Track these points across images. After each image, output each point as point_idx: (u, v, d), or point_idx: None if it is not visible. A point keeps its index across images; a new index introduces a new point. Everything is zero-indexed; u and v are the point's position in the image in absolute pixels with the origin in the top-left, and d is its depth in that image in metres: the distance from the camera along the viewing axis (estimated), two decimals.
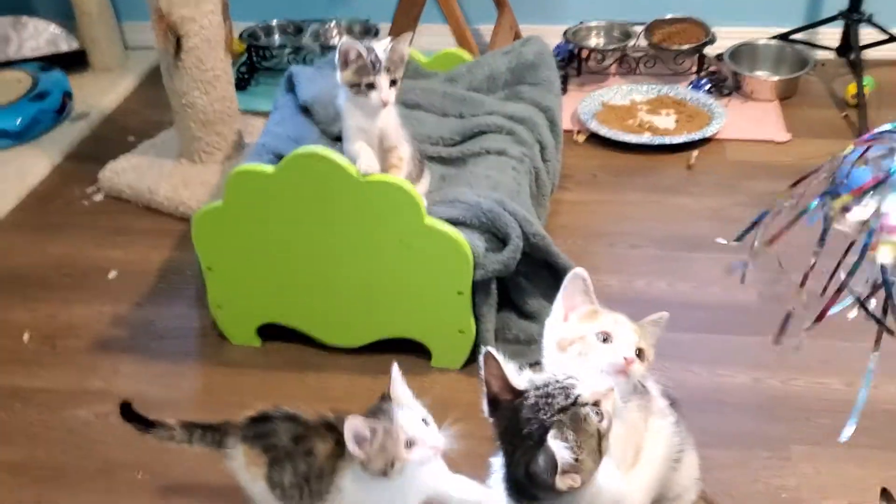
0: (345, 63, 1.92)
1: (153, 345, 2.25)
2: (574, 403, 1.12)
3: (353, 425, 1.37)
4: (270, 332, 2.21)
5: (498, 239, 2.00)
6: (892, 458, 1.84)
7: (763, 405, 1.98)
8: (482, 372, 1.16)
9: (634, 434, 1.41)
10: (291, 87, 2.52)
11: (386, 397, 1.45)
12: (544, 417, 1.11)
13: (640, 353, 1.36)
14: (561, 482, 1.08)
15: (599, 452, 1.14)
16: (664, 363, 2.05)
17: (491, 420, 1.20)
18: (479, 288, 2.01)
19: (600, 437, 1.14)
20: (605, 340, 1.35)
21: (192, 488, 1.85)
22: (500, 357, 1.17)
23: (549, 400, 1.13)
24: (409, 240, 1.92)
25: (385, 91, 1.93)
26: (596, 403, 1.15)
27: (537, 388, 1.15)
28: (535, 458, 1.09)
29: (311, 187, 1.90)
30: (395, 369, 1.46)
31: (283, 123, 2.38)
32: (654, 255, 2.47)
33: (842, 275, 1.53)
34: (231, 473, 1.59)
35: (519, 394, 1.15)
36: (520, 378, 1.18)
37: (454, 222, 1.95)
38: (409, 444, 1.39)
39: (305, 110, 2.44)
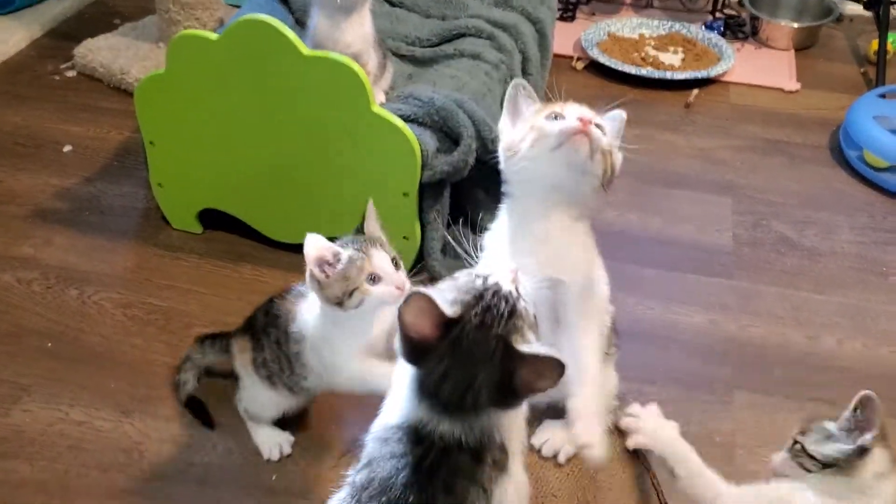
0: None
1: (93, 219, 2.16)
2: (514, 302, 0.99)
3: (315, 245, 1.29)
4: (213, 222, 2.11)
5: (451, 140, 1.87)
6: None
7: (714, 348, 1.86)
8: (404, 317, 0.96)
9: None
10: None
11: (360, 230, 1.38)
12: (498, 331, 0.97)
13: (599, 128, 1.23)
14: (559, 374, 0.95)
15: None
16: (620, 296, 1.97)
17: (410, 360, 1.00)
18: (428, 192, 1.89)
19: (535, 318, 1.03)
20: (555, 118, 1.22)
21: (98, 362, 1.77)
22: (431, 293, 0.96)
23: (493, 311, 0.97)
24: (354, 127, 1.80)
25: None
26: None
27: (473, 306, 0.98)
28: (516, 371, 0.95)
29: (255, 58, 1.78)
30: (371, 206, 1.39)
31: (256, 7, 2.25)
32: (631, 187, 2.34)
33: None
34: (238, 376, 1.59)
35: (455, 322, 0.96)
36: (445, 302, 0.98)
37: (405, 118, 1.82)
38: (374, 279, 1.30)
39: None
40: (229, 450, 1.60)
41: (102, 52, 2.77)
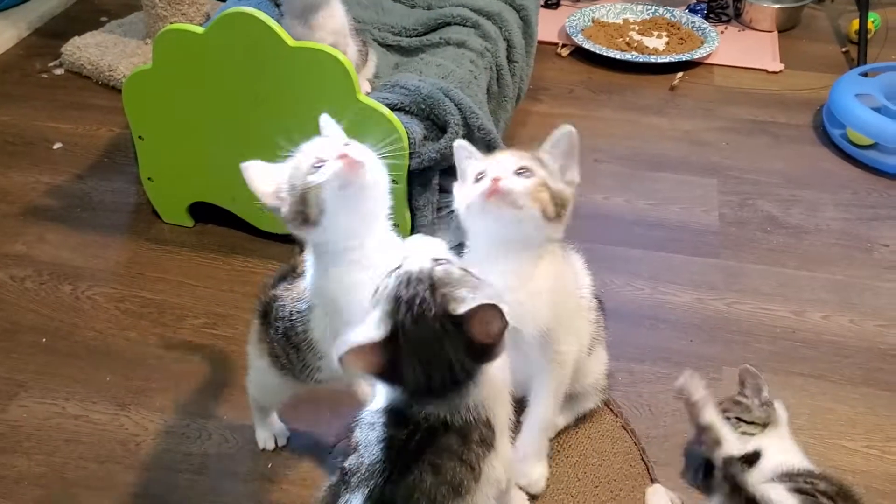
0: None
1: (84, 216, 2.17)
2: (430, 278, 0.98)
3: (252, 169, 1.21)
4: (204, 215, 2.13)
5: (437, 127, 1.89)
6: (827, 388, 1.74)
7: (702, 326, 1.88)
8: (351, 370, 0.98)
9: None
10: None
11: None
12: (434, 312, 0.95)
13: (523, 172, 1.24)
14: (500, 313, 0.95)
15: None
16: (609, 277, 2.00)
17: (395, 383, 1.01)
18: (416, 179, 1.91)
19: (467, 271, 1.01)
20: (479, 179, 1.26)
21: (93, 356, 1.79)
22: (350, 341, 0.96)
23: (417, 300, 0.96)
24: (341, 117, 1.80)
25: None
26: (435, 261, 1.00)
27: (398, 310, 0.97)
28: (468, 332, 0.96)
29: (241, 50, 1.79)
30: (324, 117, 1.31)
31: (241, 0, 2.26)
32: (617, 171, 2.36)
33: None
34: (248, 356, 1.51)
35: (392, 336, 0.97)
36: (374, 327, 0.98)
37: (391, 107, 1.84)
38: (318, 166, 1.17)
39: None
40: (225, 439, 1.62)
41: (90, 49, 2.78)
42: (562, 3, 3.18)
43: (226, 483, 1.54)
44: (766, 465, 1.39)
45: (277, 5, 2.30)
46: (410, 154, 1.84)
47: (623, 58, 2.81)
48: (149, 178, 2.08)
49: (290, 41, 1.77)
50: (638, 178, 2.34)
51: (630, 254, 2.07)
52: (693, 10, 3.10)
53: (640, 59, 2.80)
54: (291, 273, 1.43)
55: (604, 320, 1.57)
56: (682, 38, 2.95)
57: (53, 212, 2.19)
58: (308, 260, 1.31)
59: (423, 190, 1.93)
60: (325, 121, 1.32)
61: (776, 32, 3.04)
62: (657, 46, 2.91)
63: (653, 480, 1.52)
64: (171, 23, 2.66)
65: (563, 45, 2.94)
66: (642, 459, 1.56)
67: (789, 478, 1.38)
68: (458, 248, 1.32)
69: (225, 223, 2.11)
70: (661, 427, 1.64)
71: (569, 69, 2.86)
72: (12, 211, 2.19)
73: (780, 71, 2.84)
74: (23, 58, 2.88)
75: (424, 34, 2.29)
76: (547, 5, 3.15)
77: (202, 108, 1.91)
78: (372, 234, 1.23)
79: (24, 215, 2.17)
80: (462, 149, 1.35)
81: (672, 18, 3.06)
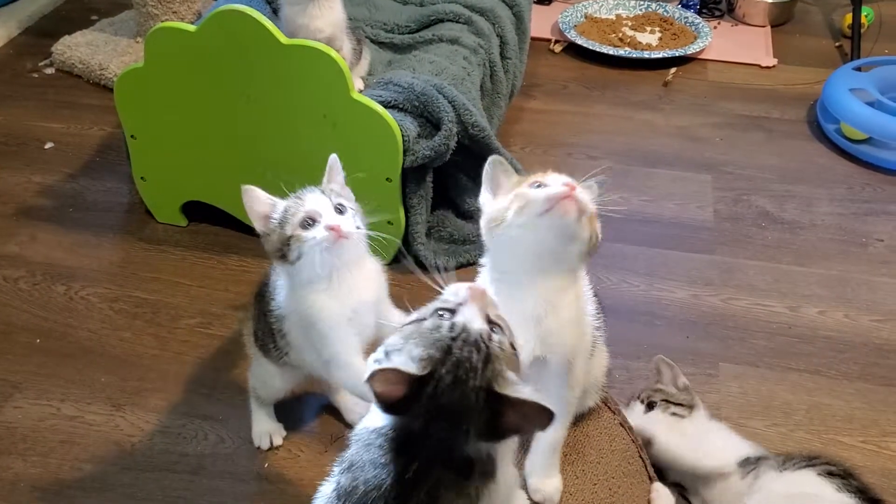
0: None
1: (77, 216, 2.16)
2: (487, 348, 0.93)
3: (254, 198, 1.28)
4: (197, 214, 2.12)
5: (432, 124, 1.88)
6: (823, 384, 1.74)
7: (698, 322, 1.88)
8: (374, 389, 0.91)
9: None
10: None
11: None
12: (477, 384, 0.91)
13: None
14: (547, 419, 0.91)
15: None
16: (604, 273, 1.99)
17: (392, 421, 0.96)
18: (410, 177, 1.90)
19: (514, 347, 0.97)
20: (538, 187, 1.17)
21: (88, 356, 1.78)
22: (394, 362, 0.92)
23: (467, 364, 0.92)
24: (335, 115, 1.80)
25: None
26: (490, 322, 0.96)
27: (444, 363, 0.92)
28: (502, 415, 0.91)
29: (233, 48, 1.78)
30: (333, 158, 1.36)
31: None
32: (612, 167, 2.35)
33: None
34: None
35: (425, 381, 0.91)
36: (409, 364, 0.92)
37: (385, 105, 1.83)
38: (309, 222, 1.25)
39: None
40: (221, 439, 1.61)
41: (80, 48, 2.76)
42: None
43: (222, 483, 1.53)
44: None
45: (269, 2, 2.29)
46: (404, 152, 1.83)
47: (616, 54, 2.81)
48: (142, 178, 2.07)
49: (283, 39, 1.76)
50: (633, 173, 2.34)
51: (625, 250, 2.07)
52: (686, 6, 3.10)
53: (634, 55, 2.80)
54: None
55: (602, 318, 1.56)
56: (675, 34, 2.95)
57: (46, 212, 2.18)
58: (279, 273, 1.36)
59: (417, 188, 1.92)
60: (333, 162, 1.35)
61: (769, 27, 3.04)
62: (650, 42, 2.91)
63: (650, 478, 1.52)
64: (163, 21, 2.64)
65: (556, 42, 2.93)
66: (640, 457, 1.55)
67: (808, 462, 1.40)
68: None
69: (219, 222, 2.11)
70: None
71: (562, 65, 2.85)
72: (5, 211, 2.17)
73: (774, 66, 2.84)
74: (13, 57, 2.86)
75: (417, 31, 2.28)
76: (539, 1, 3.14)
77: (195, 106, 1.90)
78: (343, 274, 1.29)
79: (17, 216, 2.16)
80: (499, 163, 1.27)
81: (665, 14, 3.06)
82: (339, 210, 1.27)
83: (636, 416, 1.58)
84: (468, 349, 0.91)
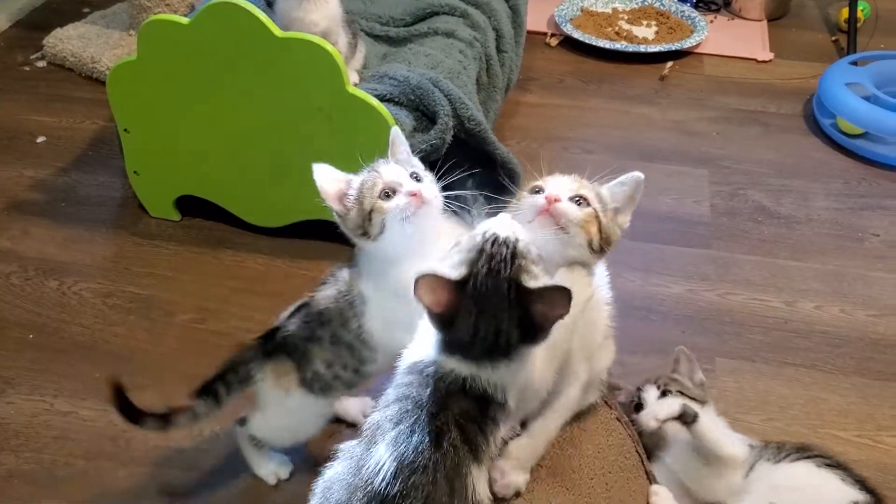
0: None
1: (70, 210, 2.15)
2: (514, 245, 1.05)
3: (328, 178, 1.23)
4: (191, 208, 2.10)
5: (427, 118, 1.87)
6: (819, 378, 1.74)
7: (694, 316, 1.88)
8: (421, 298, 1.01)
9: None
10: None
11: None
12: (507, 274, 1.03)
13: (579, 201, 1.22)
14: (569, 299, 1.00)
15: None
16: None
17: (444, 330, 1.05)
18: None
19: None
20: (536, 193, 1.22)
21: (81, 352, 1.77)
22: (433, 269, 1.02)
23: (497, 257, 1.03)
24: (330, 109, 1.79)
25: None
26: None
27: (478, 261, 1.03)
28: (531, 306, 1.02)
29: (227, 41, 1.77)
30: (395, 131, 1.31)
31: None
32: (607, 161, 2.34)
33: None
34: (263, 404, 1.40)
35: (464, 282, 1.03)
36: (452, 268, 1.04)
37: (380, 98, 1.82)
38: (388, 193, 1.21)
39: None
40: (216, 435, 1.60)
41: (72, 41, 2.75)
42: None
43: (218, 479, 1.53)
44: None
45: None
46: None
47: (612, 47, 2.80)
48: (135, 172, 2.05)
49: (278, 32, 1.75)
50: (629, 168, 2.28)
51: (621, 245, 2.04)
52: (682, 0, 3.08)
53: (630, 49, 2.79)
54: (305, 308, 1.36)
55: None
56: (671, 28, 2.94)
57: (38, 206, 2.16)
58: (361, 257, 1.31)
59: None
60: (396, 134, 1.31)
61: (766, 21, 3.04)
62: (647, 36, 2.90)
63: (647, 473, 1.51)
64: (156, 13, 2.64)
65: (553, 35, 2.92)
66: (636, 452, 1.55)
67: (802, 453, 1.40)
68: None
69: (212, 217, 2.09)
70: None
71: (558, 59, 2.84)
72: None
73: (770, 60, 2.83)
74: (4, 50, 2.84)
75: (412, 24, 2.27)
76: None
77: (188, 99, 1.88)
78: (428, 240, 1.24)
79: (9, 210, 2.15)
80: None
81: (661, 7, 3.05)
82: (416, 178, 1.24)
83: (650, 398, 1.56)
84: (497, 246, 1.04)
